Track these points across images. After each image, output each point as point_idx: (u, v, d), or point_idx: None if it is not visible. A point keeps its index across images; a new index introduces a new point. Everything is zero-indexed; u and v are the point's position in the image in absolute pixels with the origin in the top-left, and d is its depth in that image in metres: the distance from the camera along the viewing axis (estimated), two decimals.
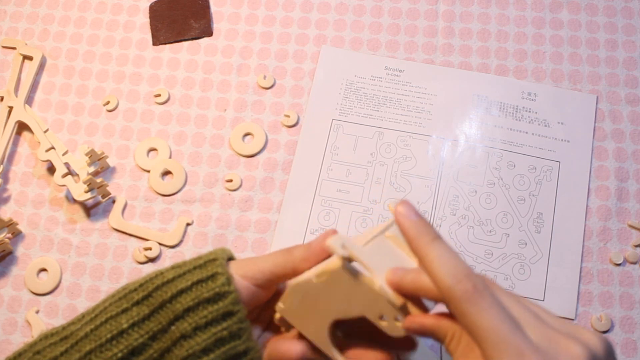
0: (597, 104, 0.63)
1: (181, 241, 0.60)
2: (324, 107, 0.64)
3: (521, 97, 0.64)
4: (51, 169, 0.62)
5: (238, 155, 0.63)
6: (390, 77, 0.65)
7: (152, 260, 0.59)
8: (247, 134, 0.63)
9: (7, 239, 0.59)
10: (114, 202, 0.61)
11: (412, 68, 0.65)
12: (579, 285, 0.58)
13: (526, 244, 0.59)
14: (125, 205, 0.61)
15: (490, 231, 0.59)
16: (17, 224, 0.59)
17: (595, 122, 0.63)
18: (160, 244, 0.60)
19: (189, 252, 0.60)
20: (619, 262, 0.58)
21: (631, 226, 0.59)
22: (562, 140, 0.62)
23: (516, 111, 0.63)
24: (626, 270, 0.58)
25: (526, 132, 0.62)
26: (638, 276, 0.58)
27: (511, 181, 0.61)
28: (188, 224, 0.61)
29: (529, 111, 0.63)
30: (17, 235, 0.60)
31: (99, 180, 0.59)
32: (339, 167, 0.62)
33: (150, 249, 0.59)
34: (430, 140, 0.62)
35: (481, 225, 0.59)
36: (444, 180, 0.61)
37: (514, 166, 0.61)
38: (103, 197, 0.60)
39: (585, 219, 0.60)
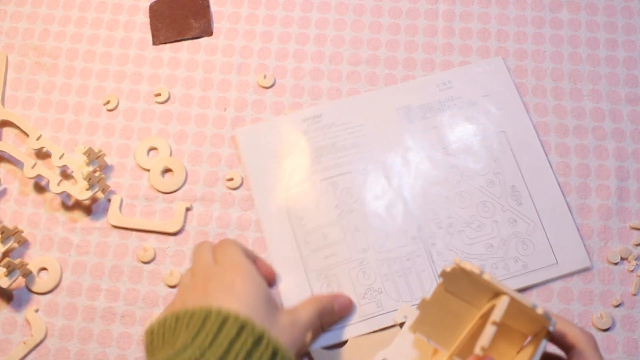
0: (505, 62, 0.64)
1: (182, 227, 0.60)
2: (268, 187, 0.60)
3: (438, 90, 0.63)
4: (39, 184, 0.62)
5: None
6: (312, 126, 0.62)
7: (153, 259, 0.59)
8: None
9: (15, 246, 0.59)
10: (109, 200, 0.61)
11: (328, 109, 0.63)
12: (580, 236, 0.58)
13: (516, 220, 0.59)
14: (122, 202, 0.61)
15: (479, 226, 0.59)
16: (22, 231, 0.59)
17: (513, 79, 0.64)
18: (162, 232, 0.60)
19: (189, 251, 0.60)
20: (619, 262, 0.58)
21: (633, 227, 0.59)
22: (494, 110, 0.62)
23: (441, 105, 0.63)
24: (627, 269, 0.58)
25: (461, 119, 0.62)
26: (638, 275, 0.58)
27: (472, 171, 0.60)
28: (187, 209, 0.61)
29: (452, 99, 0.63)
30: (23, 243, 0.60)
31: (97, 174, 0.59)
32: (314, 236, 0.58)
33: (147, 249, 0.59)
34: (381, 168, 0.61)
35: (468, 225, 0.59)
36: (414, 200, 0.59)
37: (468, 154, 0.61)
38: (103, 191, 0.60)
39: (554, 173, 0.60)
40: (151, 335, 0.43)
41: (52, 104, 0.66)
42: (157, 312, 0.58)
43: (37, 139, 0.62)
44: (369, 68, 0.66)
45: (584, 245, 0.58)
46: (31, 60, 0.68)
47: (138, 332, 0.57)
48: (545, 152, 0.61)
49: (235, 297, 0.43)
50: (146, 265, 0.59)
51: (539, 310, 0.39)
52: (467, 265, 0.40)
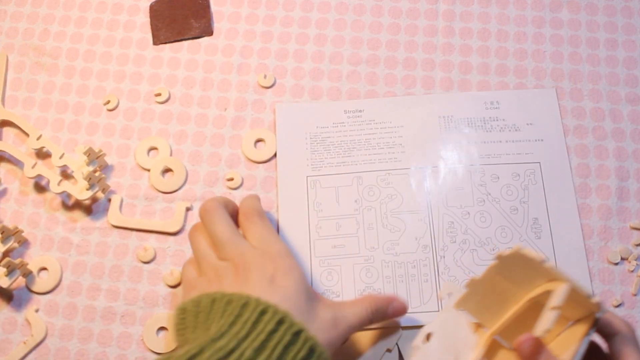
0: (558, 98, 0.64)
1: (183, 227, 0.60)
2: (294, 165, 0.61)
3: (485, 107, 0.63)
4: (39, 184, 0.62)
5: (245, 158, 0.63)
6: (351, 119, 0.63)
7: (153, 259, 0.59)
8: (259, 140, 0.63)
9: (15, 245, 0.59)
10: (109, 200, 0.61)
11: (371, 106, 0.63)
12: (591, 282, 0.57)
13: None
14: (122, 202, 0.61)
15: (492, 249, 0.58)
16: (22, 231, 0.59)
17: (560, 116, 0.63)
18: (162, 232, 0.60)
19: (190, 250, 0.59)
20: (619, 262, 0.58)
21: (633, 227, 0.59)
22: (535, 140, 0.62)
23: (484, 123, 0.62)
24: (627, 270, 0.58)
25: (500, 141, 0.62)
26: (638, 275, 0.58)
27: (499, 194, 0.60)
28: (188, 209, 0.61)
29: (497, 120, 0.62)
30: (23, 243, 0.60)
31: (97, 174, 0.59)
32: (327, 223, 0.59)
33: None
34: (409, 172, 0.61)
35: (483, 245, 0.58)
36: (435, 209, 0.59)
37: (498, 178, 0.60)
38: (103, 191, 0.60)
39: (579, 215, 0.59)
40: (183, 314, 0.42)
41: (52, 103, 0.66)
42: (157, 312, 0.58)
43: (37, 139, 0.62)
44: (369, 68, 0.66)
45: (592, 292, 0.57)
46: (31, 60, 0.68)
47: (138, 332, 0.57)
48: (576, 196, 0.60)
49: (276, 289, 0.42)
50: (146, 265, 0.59)
51: (595, 300, 0.40)
52: (530, 252, 0.42)
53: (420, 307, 0.56)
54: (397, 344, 0.54)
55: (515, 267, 0.44)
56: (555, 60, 0.65)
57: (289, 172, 0.61)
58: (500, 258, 0.44)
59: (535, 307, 0.45)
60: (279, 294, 0.41)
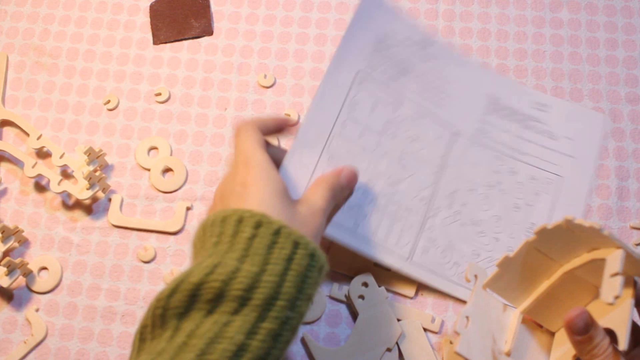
0: (606, 125, 0.62)
1: (183, 227, 0.60)
2: (352, 55, 0.57)
3: (532, 106, 0.62)
4: (40, 184, 0.62)
5: None
6: (420, 47, 0.60)
7: (153, 259, 0.59)
8: None
9: (15, 245, 0.59)
10: (109, 200, 0.61)
11: (441, 45, 0.61)
12: None
13: (513, 251, 0.58)
14: (122, 202, 0.61)
15: (481, 232, 0.58)
16: (22, 231, 0.59)
17: (600, 142, 0.62)
18: (162, 232, 0.60)
19: (189, 250, 0.59)
20: None
21: (633, 227, 0.59)
22: (567, 155, 0.61)
23: (526, 119, 0.62)
24: None
25: (532, 142, 0.61)
26: None
27: (509, 187, 0.60)
28: (188, 208, 0.61)
29: (539, 122, 0.62)
30: (23, 243, 0.60)
31: (97, 174, 0.59)
32: (352, 127, 0.57)
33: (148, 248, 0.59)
34: (441, 127, 0.60)
35: (473, 224, 0.59)
36: (447, 171, 0.59)
37: (515, 173, 0.60)
38: (103, 191, 0.60)
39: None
40: (194, 241, 0.43)
41: (52, 103, 0.66)
42: None
43: (38, 139, 0.62)
44: None
45: None
46: (31, 60, 0.68)
47: None
48: (584, 216, 0.59)
49: (249, 197, 0.42)
50: (146, 265, 0.59)
51: None
52: (583, 222, 0.41)
53: (394, 247, 0.56)
54: (397, 342, 0.54)
55: (555, 240, 0.44)
56: (555, 60, 0.65)
57: (345, 59, 0.56)
58: (543, 232, 0.44)
59: (570, 280, 0.45)
60: (252, 198, 0.42)
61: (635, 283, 0.42)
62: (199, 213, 0.61)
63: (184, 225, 0.60)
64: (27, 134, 0.63)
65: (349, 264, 0.58)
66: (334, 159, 0.55)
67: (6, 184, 0.63)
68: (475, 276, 0.50)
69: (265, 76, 0.65)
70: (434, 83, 0.60)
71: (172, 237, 0.60)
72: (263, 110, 0.64)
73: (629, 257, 0.40)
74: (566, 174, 0.60)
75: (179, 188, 0.62)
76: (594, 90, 0.64)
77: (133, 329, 0.57)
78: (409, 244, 0.57)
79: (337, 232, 0.55)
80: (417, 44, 0.60)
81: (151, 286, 0.59)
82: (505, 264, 0.47)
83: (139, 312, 0.58)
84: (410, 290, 0.58)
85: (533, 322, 0.49)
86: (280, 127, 0.50)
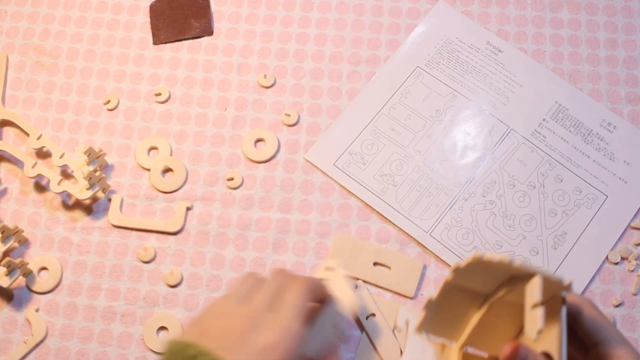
0: None
1: (183, 227, 0.60)
2: (415, 52, 0.65)
3: (599, 124, 0.62)
4: (40, 184, 0.62)
5: (247, 159, 0.63)
6: (488, 52, 0.65)
7: (153, 259, 0.59)
8: (259, 140, 0.63)
9: (15, 245, 0.59)
10: (109, 200, 0.61)
11: (511, 52, 0.65)
12: (591, 281, 0.57)
13: (538, 252, 0.58)
14: (122, 202, 0.61)
15: (510, 226, 0.59)
16: (22, 231, 0.59)
17: None
18: (162, 232, 0.60)
19: (190, 250, 0.60)
20: (619, 262, 0.58)
21: (633, 227, 0.59)
22: (620, 178, 0.61)
23: (588, 133, 0.62)
24: (627, 269, 0.58)
25: (589, 157, 0.61)
26: (638, 275, 0.58)
27: (551, 192, 0.60)
28: (188, 208, 0.61)
29: (601, 139, 0.62)
30: (23, 243, 0.60)
31: (97, 174, 0.59)
32: (401, 109, 0.63)
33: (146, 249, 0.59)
34: (494, 121, 0.63)
35: (504, 217, 0.59)
36: (490, 162, 0.61)
37: (561, 181, 0.60)
38: (103, 191, 0.60)
39: (606, 259, 0.58)
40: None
41: (52, 103, 0.66)
42: (157, 312, 0.58)
43: (38, 139, 0.62)
44: (369, 68, 0.66)
45: None
46: (31, 59, 0.68)
47: (138, 331, 0.57)
48: (616, 243, 0.59)
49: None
50: (146, 265, 0.59)
51: (566, 281, 0.40)
52: (493, 256, 0.40)
53: (417, 219, 0.59)
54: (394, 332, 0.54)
55: (473, 275, 0.44)
56: (555, 60, 0.65)
57: (407, 53, 0.65)
58: (457, 270, 0.44)
59: (500, 306, 0.44)
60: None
61: (563, 299, 0.41)
62: (199, 213, 0.61)
63: (183, 225, 0.60)
64: (27, 134, 0.63)
65: (350, 265, 0.58)
66: (376, 133, 0.63)
67: (6, 184, 0.63)
68: (407, 322, 0.49)
69: (265, 76, 0.65)
70: (498, 85, 0.64)
71: (172, 237, 0.60)
72: (263, 110, 0.64)
73: (547, 280, 0.40)
74: (614, 195, 0.60)
75: (179, 188, 0.62)
76: (594, 90, 0.64)
77: (133, 329, 0.57)
78: (433, 219, 0.59)
79: (363, 193, 0.60)
80: (483, 50, 0.65)
81: (151, 286, 0.59)
82: (431, 306, 0.46)
83: (139, 312, 0.58)
84: (410, 290, 0.58)
85: (475, 356, 0.48)
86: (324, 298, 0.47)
